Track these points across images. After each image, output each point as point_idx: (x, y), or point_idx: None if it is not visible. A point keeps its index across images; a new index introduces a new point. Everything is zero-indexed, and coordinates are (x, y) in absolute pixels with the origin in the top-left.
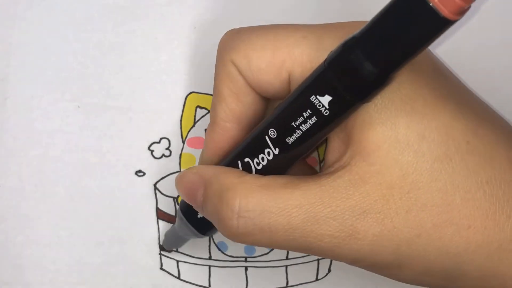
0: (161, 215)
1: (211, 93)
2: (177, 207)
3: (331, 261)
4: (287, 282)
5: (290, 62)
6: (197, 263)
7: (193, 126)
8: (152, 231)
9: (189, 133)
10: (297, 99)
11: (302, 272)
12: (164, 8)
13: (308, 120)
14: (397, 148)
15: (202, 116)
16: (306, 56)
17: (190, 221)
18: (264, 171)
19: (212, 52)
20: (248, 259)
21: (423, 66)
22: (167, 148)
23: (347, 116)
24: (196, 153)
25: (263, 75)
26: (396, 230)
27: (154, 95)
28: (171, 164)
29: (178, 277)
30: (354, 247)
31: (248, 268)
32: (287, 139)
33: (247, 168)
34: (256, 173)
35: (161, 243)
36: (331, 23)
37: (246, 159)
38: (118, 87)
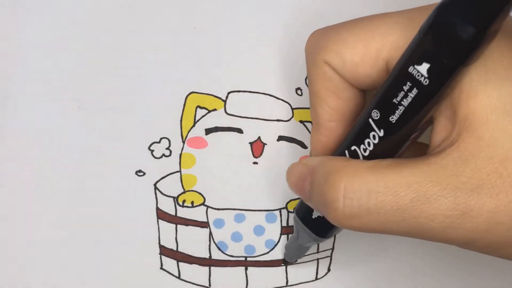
0: (161, 215)
1: (211, 93)
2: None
3: (331, 260)
4: (287, 282)
5: (386, 50)
6: (197, 263)
7: (193, 126)
8: (152, 231)
9: (189, 133)
10: (396, 75)
11: (302, 271)
12: (164, 8)
13: (408, 93)
14: (506, 118)
15: (202, 116)
16: (402, 40)
17: (307, 224)
18: (371, 157)
19: (212, 52)
20: (248, 259)
21: None
22: (167, 148)
23: (449, 86)
24: (196, 153)
25: (358, 69)
26: None
27: (154, 95)
28: (171, 164)
29: (178, 277)
30: (469, 226)
31: (248, 268)
32: (390, 117)
33: (354, 157)
34: (363, 159)
35: (283, 257)
36: (418, 6)
37: (353, 147)
38: (118, 87)
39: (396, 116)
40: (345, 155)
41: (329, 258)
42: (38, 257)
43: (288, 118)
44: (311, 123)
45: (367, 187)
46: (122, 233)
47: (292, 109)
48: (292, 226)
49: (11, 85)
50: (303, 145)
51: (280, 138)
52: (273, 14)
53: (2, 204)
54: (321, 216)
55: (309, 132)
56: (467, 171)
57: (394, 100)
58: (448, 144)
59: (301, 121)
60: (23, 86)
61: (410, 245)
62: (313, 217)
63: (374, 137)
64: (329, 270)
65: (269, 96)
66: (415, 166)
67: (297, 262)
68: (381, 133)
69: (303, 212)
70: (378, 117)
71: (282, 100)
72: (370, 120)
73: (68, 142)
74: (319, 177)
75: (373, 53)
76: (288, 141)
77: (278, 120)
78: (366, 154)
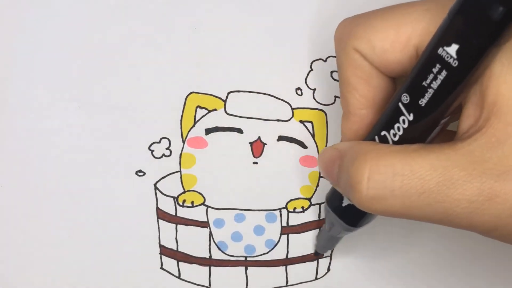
0: (161, 215)
1: (211, 93)
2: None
3: (330, 260)
4: (287, 281)
5: (416, 36)
6: (197, 263)
7: (193, 126)
8: (152, 231)
9: (189, 133)
10: (425, 57)
11: (302, 271)
12: (164, 8)
13: (438, 75)
14: None
15: (202, 116)
16: (433, 26)
17: (337, 213)
18: (400, 143)
19: (212, 52)
20: (248, 259)
21: None
22: (167, 148)
23: (478, 68)
24: (196, 153)
25: (388, 55)
26: None
27: (154, 95)
28: (171, 164)
29: (178, 277)
30: (494, 212)
31: (248, 268)
32: (419, 101)
33: (384, 142)
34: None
35: (314, 249)
36: None
37: (383, 133)
38: (118, 87)
39: (425, 100)
40: (375, 140)
41: (329, 258)
42: (38, 257)
43: (288, 118)
44: (342, 112)
45: (392, 170)
46: (122, 233)
47: (292, 109)
48: (292, 226)
49: (11, 85)
50: (303, 145)
51: (280, 138)
52: (273, 14)
53: (2, 204)
54: (351, 203)
55: (309, 132)
56: (494, 157)
57: (424, 83)
58: (476, 129)
59: (301, 121)
60: (23, 87)
61: (410, 245)
62: (343, 205)
63: (403, 121)
64: (329, 270)
65: (269, 96)
66: (442, 151)
67: (296, 263)
68: (411, 117)
69: (333, 200)
70: (408, 100)
71: (282, 100)
72: (400, 104)
73: (68, 142)
74: (347, 160)
75: (403, 39)
76: (288, 141)
77: (278, 120)
78: (396, 139)
